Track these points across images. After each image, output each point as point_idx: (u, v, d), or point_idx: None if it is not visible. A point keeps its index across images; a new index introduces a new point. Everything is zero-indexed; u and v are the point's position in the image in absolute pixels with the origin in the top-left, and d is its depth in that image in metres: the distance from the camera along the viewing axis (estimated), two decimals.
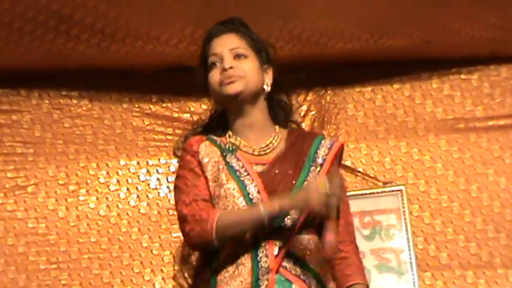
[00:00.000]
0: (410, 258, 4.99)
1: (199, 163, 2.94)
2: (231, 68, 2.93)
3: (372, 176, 5.04)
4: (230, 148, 2.98)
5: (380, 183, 4.91)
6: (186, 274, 3.06)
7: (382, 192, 4.87)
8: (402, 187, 5.05)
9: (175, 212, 4.98)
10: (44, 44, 4.84)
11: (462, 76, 5.27)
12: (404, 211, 5.05)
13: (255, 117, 3.02)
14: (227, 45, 2.98)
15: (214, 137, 3.02)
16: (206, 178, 2.93)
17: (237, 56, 2.97)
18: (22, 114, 5.19)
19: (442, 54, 5.20)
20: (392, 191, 5.04)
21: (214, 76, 2.97)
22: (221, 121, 3.08)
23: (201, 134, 3.02)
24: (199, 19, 4.58)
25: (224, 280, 2.86)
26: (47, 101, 5.21)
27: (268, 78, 3.02)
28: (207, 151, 2.98)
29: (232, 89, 2.95)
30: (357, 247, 3.04)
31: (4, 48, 4.90)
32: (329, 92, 4.99)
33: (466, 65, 5.27)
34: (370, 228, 5.01)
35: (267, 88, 3.00)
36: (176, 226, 4.90)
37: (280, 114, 3.10)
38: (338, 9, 4.61)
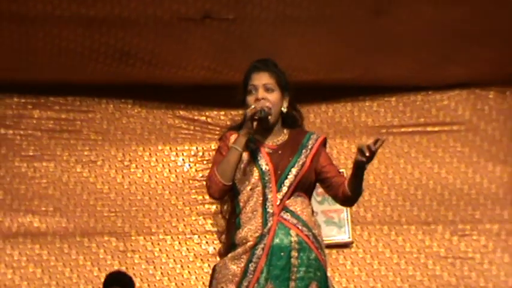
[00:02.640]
0: (347, 217, 4.99)
1: (228, 147, 2.91)
2: (262, 98, 2.86)
3: None
4: (252, 138, 2.91)
5: None
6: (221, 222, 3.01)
7: None
8: (343, 170, 4.84)
9: (193, 182, 5.15)
10: (111, 69, 4.84)
11: (385, 98, 5.27)
12: None
13: (272, 127, 2.96)
14: (262, 80, 2.92)
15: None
16: None
17: (267, 89, 2.91)
18: (95, 114, 5.18)
19: (372, 84, 5.18)
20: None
21: (251, 100, 2.90)
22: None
23: (234, 130, 2.98)
24: (213, 55, 4.72)
25: (244, 221, 2.84)
26: (111, 105, 5.20)
27: (286, 103, 2.97)
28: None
29: (266, 117, 2.89)
30: (344, 177, 2.98)
31: (84, 71, 4.89)
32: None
33: (388, 91, 5.25)
34: (321, 196, 4.90)
35: (284, 110, 2.96)
36: (194, 190, 5.13)
37: (288, 122, 3.02)
38: (304, 53, 4.61)
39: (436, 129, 5.21)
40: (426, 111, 5.23)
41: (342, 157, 5.10)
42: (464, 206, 5.10)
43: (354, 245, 5.00)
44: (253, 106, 2.88)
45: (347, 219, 5.00)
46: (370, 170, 4.85)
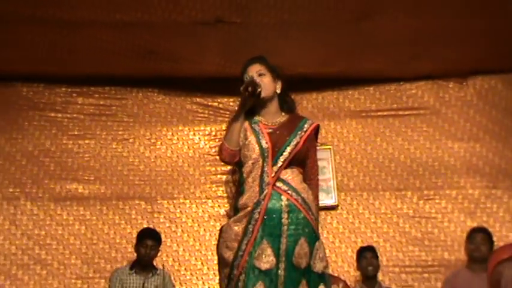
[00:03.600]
0: (333, 185, 5.02)
1: None
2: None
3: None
4: (255, 120, 2.95)
5: (319, 144, 4.82)
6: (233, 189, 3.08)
7: (319, 149, 4.68)
8: (330, 146, 5.08)
9: (208, 156, 5.20)
10: (140, 64, 4.87)
11: (365, 88, 5.26)
12: (331, 160, 5.05)
13: (270, 107, 2.98)
14: (254, 69, 2.96)
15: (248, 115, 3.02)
16: (239, 135, 2.95)
17: (260, 75, 2.94)
18: (127, 100, 5.20)
19: (355, 76, 5.16)
20: (325, 148, 5.02)
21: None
22: (251, 108, 3.01)
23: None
24: (224, 53, 4.74)
25: (247, 188, 2.86)
26: (140, 94, 5.21)
27: (278, 86, 2.98)
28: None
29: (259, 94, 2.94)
30: (317, 179, 3.01)
31: (118, 66, 4.91)
32: (292, 94, 4.92)
33: (367, 82, 5.24)
34: None
35: (278, 91, 2.98)
36: (208, 163, 5.19)
37: (285, 106, 3.03)
38: (299, 51, 4.60)
39: (406, 113, 5.22)
40: (398, 98, 5.24)
41: (329, 135, 5.13)
42: (428, 176, 5.11)
43: (339, 207, 5.02)
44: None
45: (333, 187, 5.01)
46: (353, 146, 5.21)
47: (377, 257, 4.61)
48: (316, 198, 2.98)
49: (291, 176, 2.88)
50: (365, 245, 4.77)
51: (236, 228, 2.83)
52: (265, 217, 2.81)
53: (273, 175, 2.84)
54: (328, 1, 4.15)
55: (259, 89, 2.88)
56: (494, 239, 4.50)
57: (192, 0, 4.14)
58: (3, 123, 5.04)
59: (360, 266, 4.59)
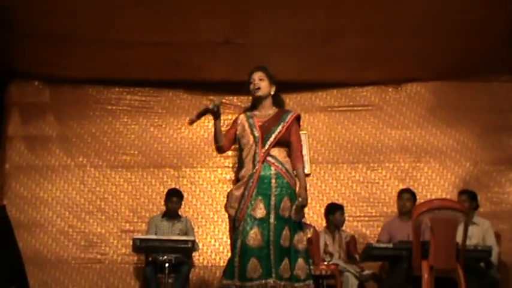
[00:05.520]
0: (308, 159, 5.04)
1: (236, 123, 3.03)
2: (258, 85, 2.99)
3: None
4: (251, 115, 2.99)
5: None
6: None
7: None
8: (305, 132, 5.15)
9: None
10: (170, 72, 4.96)
11: (330, 90, 5.31)
12: (306, 141, 5.09)
13: (265, 103, 3.01)
14: (257, 75, 3.00)
15: (248, 112, 3.07)
16: (236, 129, 3.04)
17: (260, 80, 2.98)
18: (161, 97, 5.30)
19: (323, 82, 5.16)
20: (302, 133, 3.91)
21: (251, 87, 2.99)
22: (252, 105, 3.07)
23: (244, 110, 3.08)
24: (231, 64, 4.77)
25: (245, 162, 2.95)
26: (171, 93, 5.30)
27: (273, 89, 3.02)
28: (242, 118, 3.05)
29: (257, 93, 3.01)
30: (302, 163, 3.00)
31: (155, 73, 4.98)
32: (279, 94, 4.00)
33: (331, 86, 5.27)
34: None
35: (272, 93, 3.01)
36: None
37: (276, 103, 3.04)
38: (283, 63, 4.59)
39: (359, 108, 5.33)
40: (353, 98, 5.35)
41: (304, 124, 5.13)
42: (374, 153, 5.26)
43: (311, 175, 5.09)
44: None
45: (308, 160, 5.07)
46: (321, 131, 5.29)
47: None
48: (303, 167, 3.01)
49: (278, 153, 2.96)
50: (336, 202, 4.76)
51: (236, 193, 2.94)
52: (259, 182, 2.91)
53: (262, 154, 2.91)
54: (303, 28, 4.25)
55: (261, 95, 2.94)
56: (418, 197, 4.68)
57: (207, 26, 4.27)
58: (76, 113, 5.24)
59: (334, 219, 4.57)
